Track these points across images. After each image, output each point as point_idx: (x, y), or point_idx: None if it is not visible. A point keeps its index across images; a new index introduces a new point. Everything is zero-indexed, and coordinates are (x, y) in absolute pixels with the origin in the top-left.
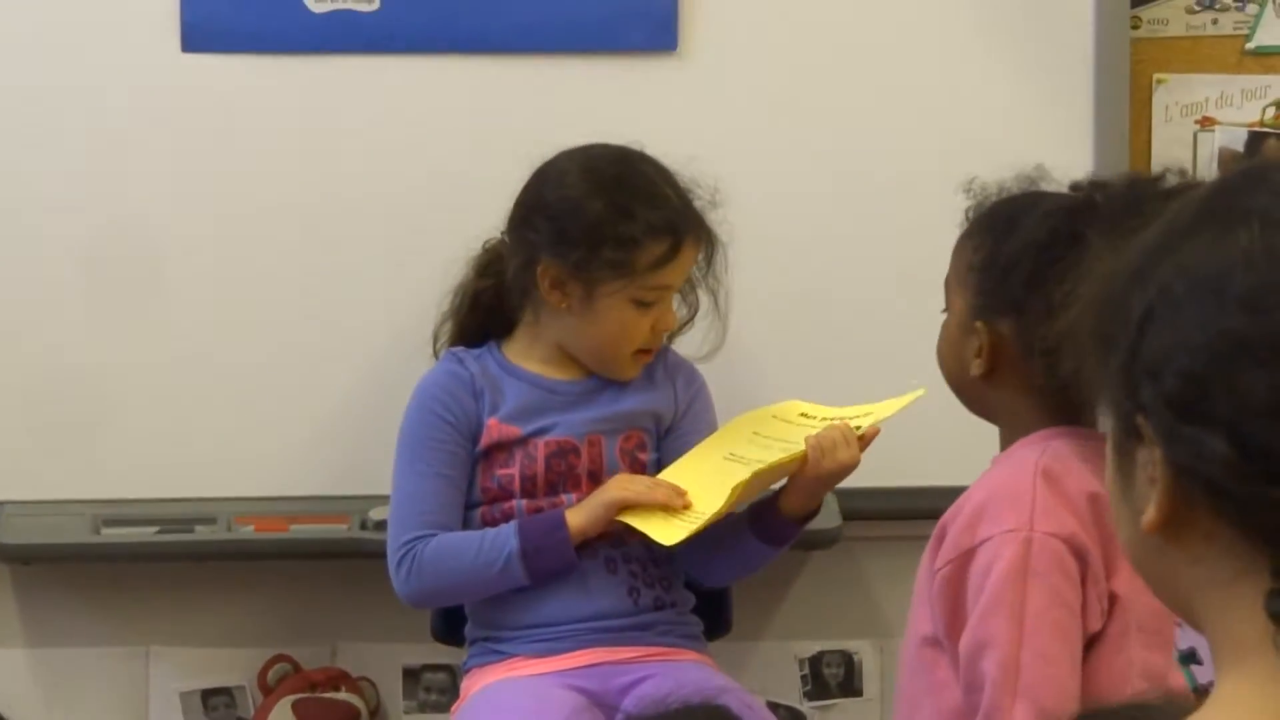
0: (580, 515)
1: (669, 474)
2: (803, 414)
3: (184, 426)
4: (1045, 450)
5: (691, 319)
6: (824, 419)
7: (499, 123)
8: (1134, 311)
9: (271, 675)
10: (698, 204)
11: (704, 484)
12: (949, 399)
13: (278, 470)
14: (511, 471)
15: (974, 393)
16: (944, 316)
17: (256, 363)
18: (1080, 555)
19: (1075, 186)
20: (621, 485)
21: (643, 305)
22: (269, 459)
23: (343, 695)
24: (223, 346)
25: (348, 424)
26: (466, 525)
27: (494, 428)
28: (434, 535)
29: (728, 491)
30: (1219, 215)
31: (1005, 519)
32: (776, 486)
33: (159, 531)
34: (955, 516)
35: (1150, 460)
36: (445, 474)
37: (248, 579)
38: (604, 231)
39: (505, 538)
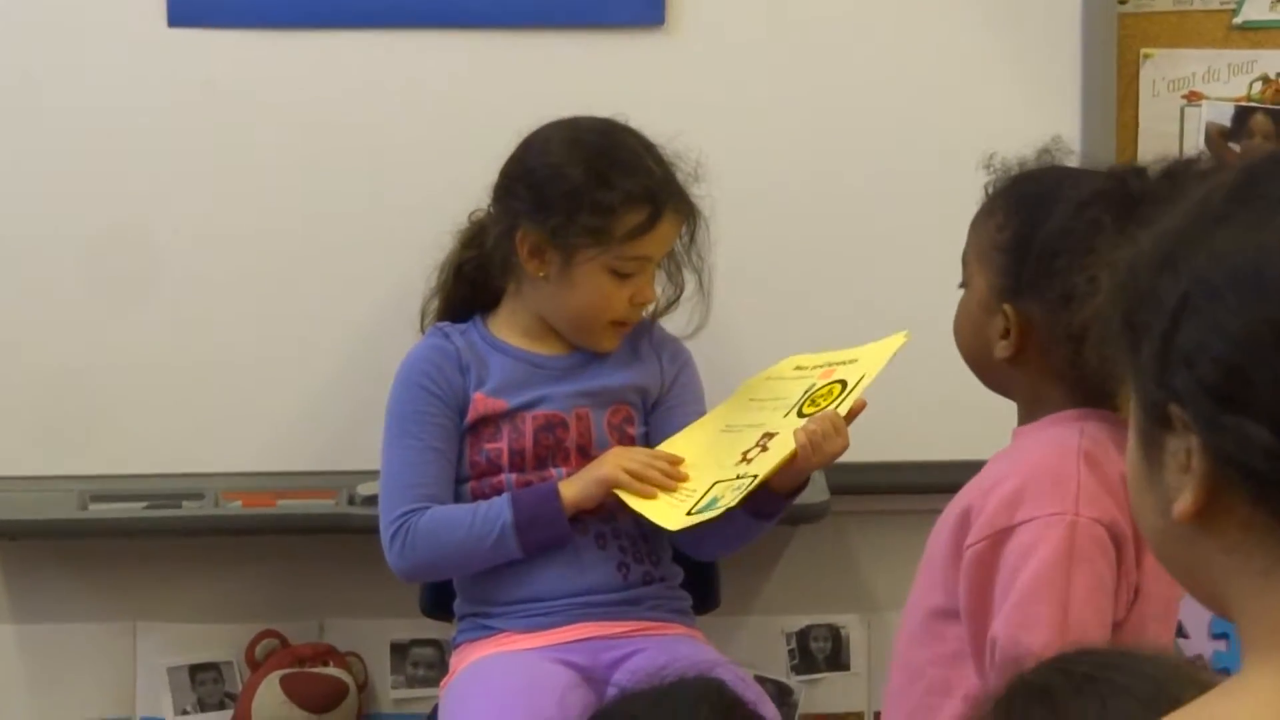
0: (574, 488)
1: (670, 444)
2: (797, 367)
3: (171, 402)
4: (1083, 432)
5: (677, 299)
6: (815, 367)
7: (485, 98)
8: (1166, 300)
9: (259, 650)
10: (681, 178)
11: (703, 461)
12: (937, 375)
13: (265, 446)
14: (500, 445)
15: (995, 372)
16: (959, 292)
17: (244, 338)
18: (1118, 542)
19: (1113, 173)
20: (618, 461)
21: (620, 275)
22: (256, 434)
23: (331, 670)
24: (210, 323)
25: (335, 399)
26: (456, 500)
27: (480, 401)
28: (426, 509)
29: (721, 473)
30: (1251, 202)
31: (1048, 502)
32: None
33: (146, 507)
34: (987, 493)
35: (1182, 449)
36: (435, 447)
37: (235, 554)
38: (582, 198)
39: (499, 510)
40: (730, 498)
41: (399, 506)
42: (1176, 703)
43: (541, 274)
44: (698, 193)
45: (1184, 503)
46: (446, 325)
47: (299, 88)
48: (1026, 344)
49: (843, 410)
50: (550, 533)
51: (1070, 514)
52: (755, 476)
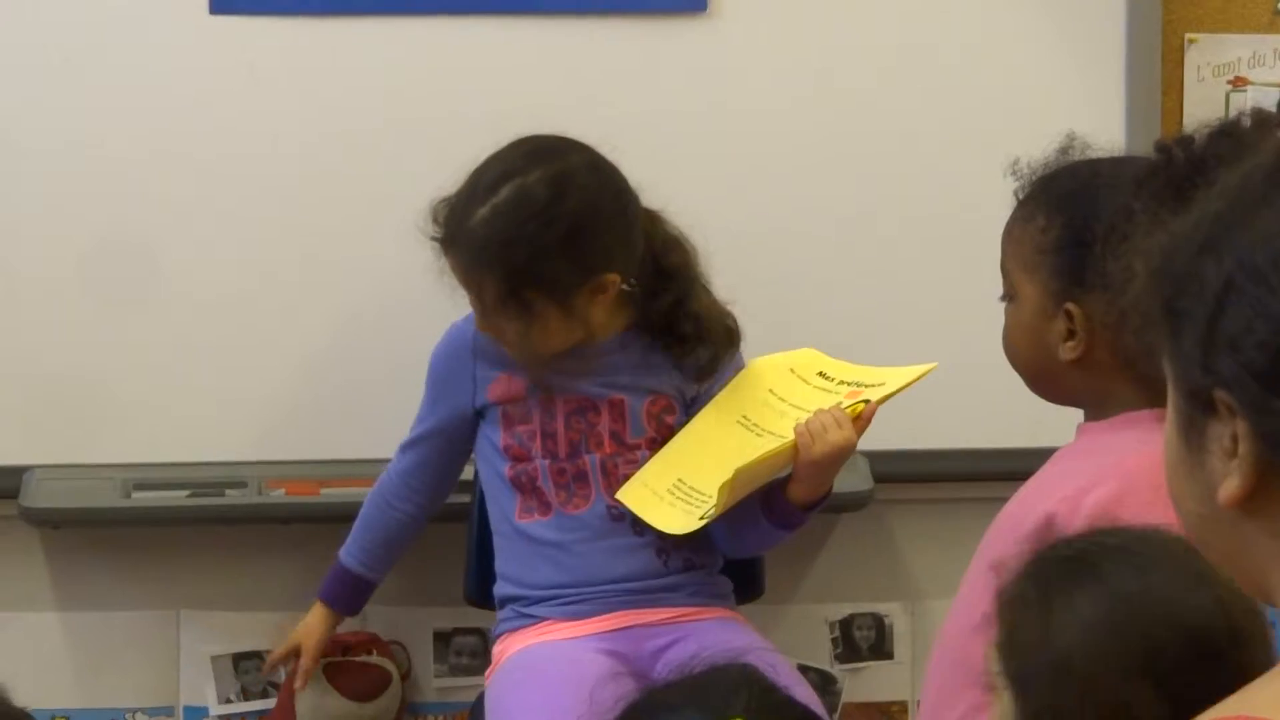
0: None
1: (682, 438)
2: (821, 373)
3: (215, 390)
4: None
5: (521, 347)
6: (841, 382)
7: (526, 86)
8: (1209, 285)
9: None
10: (523, 255)
11: (716, 457)
12: (980, 363)
13: (308, 434)
14: (532, 428)
15: (1058, 378)
16: (1003, 305)
17: (288, 326)
18: None
19: (1159, 147)
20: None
21: None
22: (300, 422)
23: (375, 659)
24: (256, 310)
25: (379, 387)
26: (498, 483)
27: (504, 381)
28: (388, 476)
29: (726, 482)
30: None
31: (1152, 511)
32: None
33: (190, 495)
34: (1077, 499)
35: (1227, 434)
36: (441, 429)
37: (278, 543)
38: None
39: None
40: (722, 496)
41: (397, 462)
42: (1203, 577)
43: None
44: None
45: (1230, 488)
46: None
47: (338, 75)
48: (1095, 341)
49: (850, 412)
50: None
51: (1176, 526)
52: (739, 469)
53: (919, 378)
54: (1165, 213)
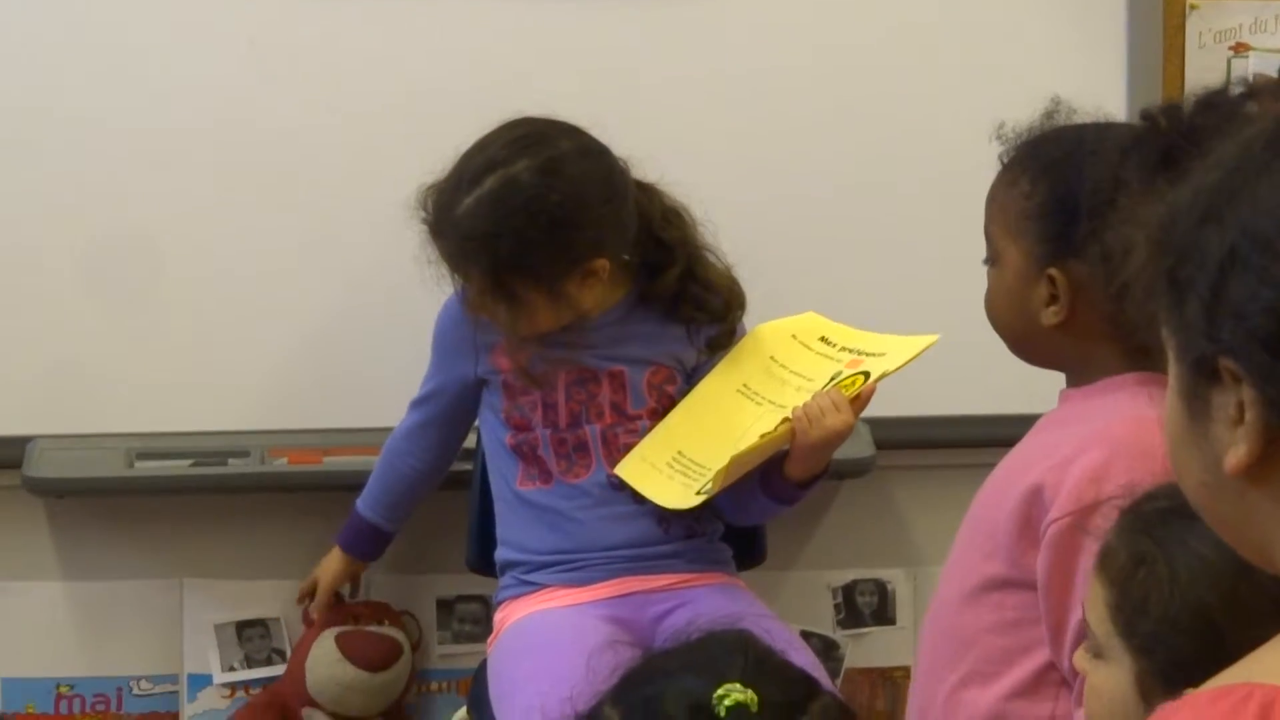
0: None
1: (683, 409)
2: (822, 338)
3: (217, 359)
4: (1153, 399)
5: (509, 329)
6: (843, 349)
7: (522, 58)
8: (1211, 253)
9: (314, 608)
10: (508, 246)
11: (716, 429)
12: (983, 328)
13: (311, 403)
14: (533, 398)
15: (1040, 343)
16: (974, 266)
17: (290, 295)
18: None
19: (1145, 115)
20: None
21: None
22: (302, 392)
23: (386, 629)
24: (257, 280)
25: (381, 356)
26: (500, 450)
27: (504, 349)
28: (398, 431)
29: (722, 468)
30: None
31: (1140, 477)
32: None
33: (193, 465)
34: (1063, 467)
35: (1232, 402)
36: (446, 392)
37: (282, 511)
38: None
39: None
40: (724, 470)
41: (405, 419)
42: None
43: None
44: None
45: (1237, 455)
46: None
47: (340, 48)
48: (1077, 307)
49: (849, 393)
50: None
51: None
52: (735, 455)
53: (920, 353)
54: (1159, 181)
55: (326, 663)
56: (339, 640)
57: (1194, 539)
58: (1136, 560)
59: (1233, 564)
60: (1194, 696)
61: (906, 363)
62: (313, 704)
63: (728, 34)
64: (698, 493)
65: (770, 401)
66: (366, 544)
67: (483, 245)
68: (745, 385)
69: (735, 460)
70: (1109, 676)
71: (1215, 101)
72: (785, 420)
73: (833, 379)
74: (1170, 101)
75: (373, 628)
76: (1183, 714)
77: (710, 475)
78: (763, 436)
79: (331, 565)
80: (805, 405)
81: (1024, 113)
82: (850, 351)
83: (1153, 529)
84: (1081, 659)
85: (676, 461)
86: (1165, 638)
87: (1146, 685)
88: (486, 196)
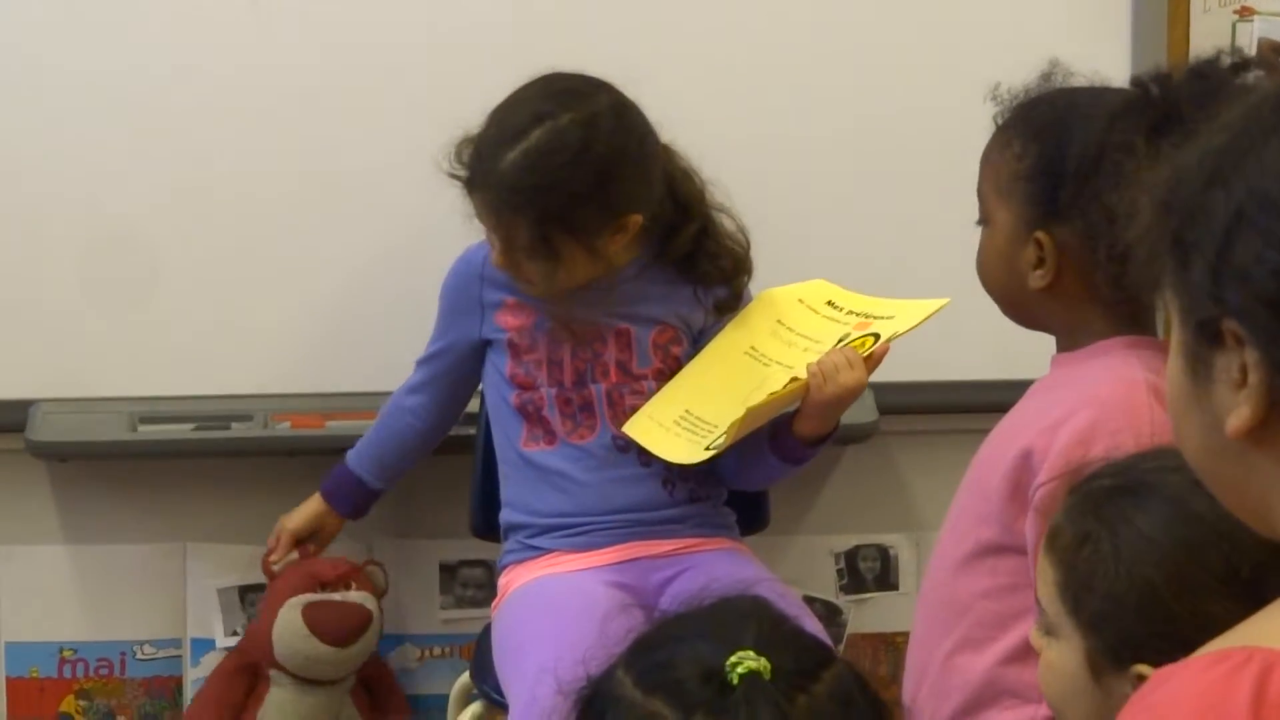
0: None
1: (690, 370)
2: (829, 302)
3: (220, 324)
4: (1141, 361)
5: (544, 286)
6: (850, 312)
7: (526, 9)
8: (1218, 215)
9: (277, 563)
10: (556, 197)
11: (724, 390)
12: (984, 293)
13: (314, 366)
14: (538, 356)
15: (1029, 306)
16: (979, 230)
17: (292, 259)
18: None
19: (1136, 82)
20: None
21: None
22: (305, 355)
23: (354, 596)
24: (259, 243)
25: (383, 319)
26: (505, 410)
27: (511, 308)
28: (401, 388)
29: (735, 416)
30: None
31: (1125, 438)
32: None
33: (195, 429)
34: (1052, 431)
35: (1235, 364)
36: (453, 349)
37: (284, 475)
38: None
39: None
40: (736, 424)
41: (411, 377)
42: None
43: None
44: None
45: (1240, 417)
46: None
47: (344, 11)
48: (1063, 270)
49: (863, 352)
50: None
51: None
52: (750, 408)
53: (930, 315)
54: (1143, 150)
55: (293, 635)
56: (305, 613)
57: (1140, 517)
58: (1081, 539)
59: (1178, 543)
60: (1189, 661)
61: (917, 324)
62: (279, 667)
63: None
64: (706, 448)
65: (777, 363)
66: (346, 497)
67: (529, 198)
68: (753, 348)
69: (750, 413)
70: (1060, 654)
71: (1206, 72)
72: (794, 380)
73: (840, 341)
74: (1161, 69)
75: (339, 596)
76: (1178, 679)
77: (719, 431)
78: (771, 395)
79: (303, 509)
80: (819, 361)
81: (1026, 76)
82: (857, 315)
83: (1099, 507)
84: (1035, 637)
85: (684, 419)
86: (1112, 615)
87: (1096, 663)
88: (533, 149)
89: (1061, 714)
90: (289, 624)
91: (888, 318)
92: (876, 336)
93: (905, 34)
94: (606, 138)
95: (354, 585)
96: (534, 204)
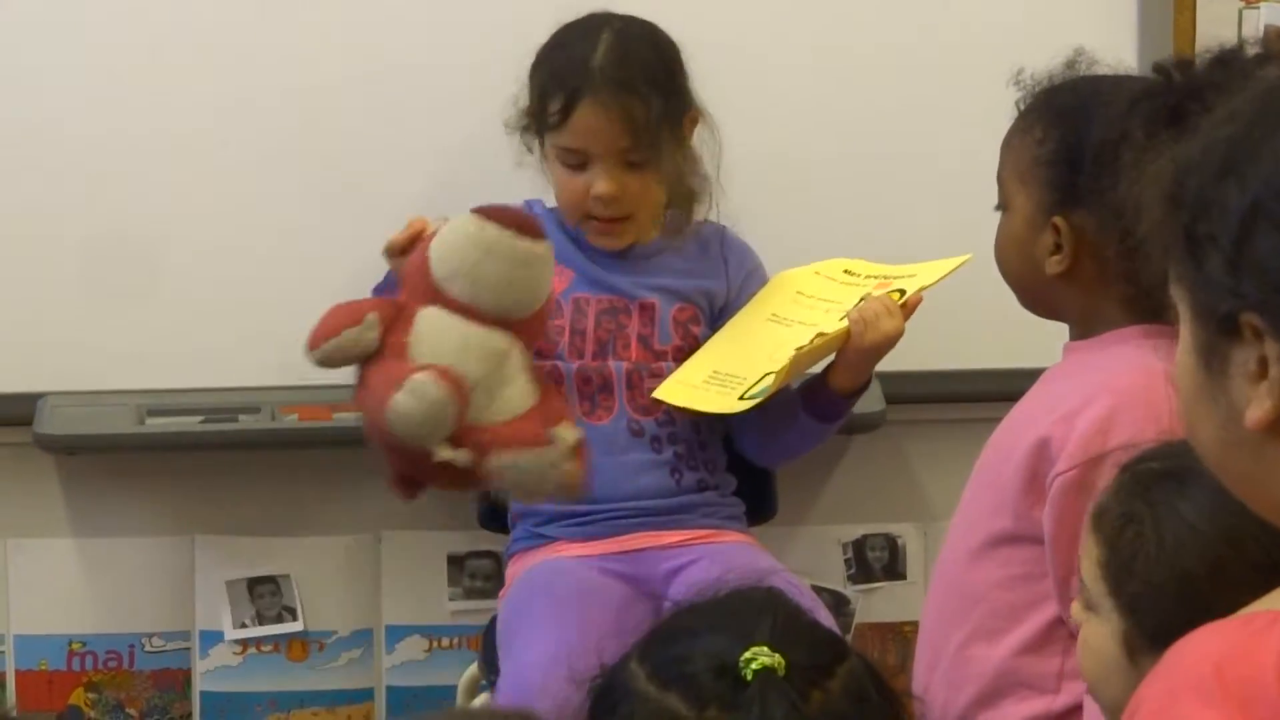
0: None
1: (713, 343)
2: (846, 270)
3: (228, 316)
4: (1157, 351)
5: (690, 205)
6: (868, 276)
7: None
8: (1233, 208)
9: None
10: (644, 70)
11: (749, 351)
12: (993, 281)
13: None
14: (561, 323)
15: (1044, 292)
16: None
17: (300, 250)
18: None
19: (1158, 68)
20: None
21: (570, 167)
22: None
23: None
24: (267, 234)
25: None
26: None
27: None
28: None
29: (772, 364)
30: None
31: (1145, 428)
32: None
33: (203, 421)
34: (1070, 420)
35: (1252, 357)
36: None
37: (292, 467)
38: (531, 84)
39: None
40: (782, 372)
41: None
42: None
43: (543, 162)
44: (681, 90)
45: (1260, 410)
46: (539, 203)
47: (347, 7)
48: (1080, 257)
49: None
50: None
51: (1168, 438)
52: (799, 349)
53: (953, 270)
54: (1163, 137)
55: (462, 231)
56: (482, 211)
57: (1185, 505)
58: (1126, 520)
59: (1221, 533)
60: (1221, 621)
61: (940, 279)
62: (436, 298)
63: None
64: (741, 397)
65: (799, 322)
66: None
67: (636, 74)
68: (774, 314)
69: (795, 359)
70: (1098, 631)
71: (1229, 59)
72: (819, 337)
73: (861, 300)
74: (1183, 56)
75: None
76: (1205, 633)
77: (750, 382)
78: (815, 340)
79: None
80: (860, 308)
81: (1031, 62)
82: (876, 278)
83: (1147, 490)
84: (1077, 611)
85: (714, 377)
86: (1150, 600)
87: (1132, 643)
88: (615, 42)
89: (1096, 689)
90: (460, 235)
91: (909, 275)
92: (901, 292)
93: (909, 23)
94: (657, 31)
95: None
96: (642, 79)
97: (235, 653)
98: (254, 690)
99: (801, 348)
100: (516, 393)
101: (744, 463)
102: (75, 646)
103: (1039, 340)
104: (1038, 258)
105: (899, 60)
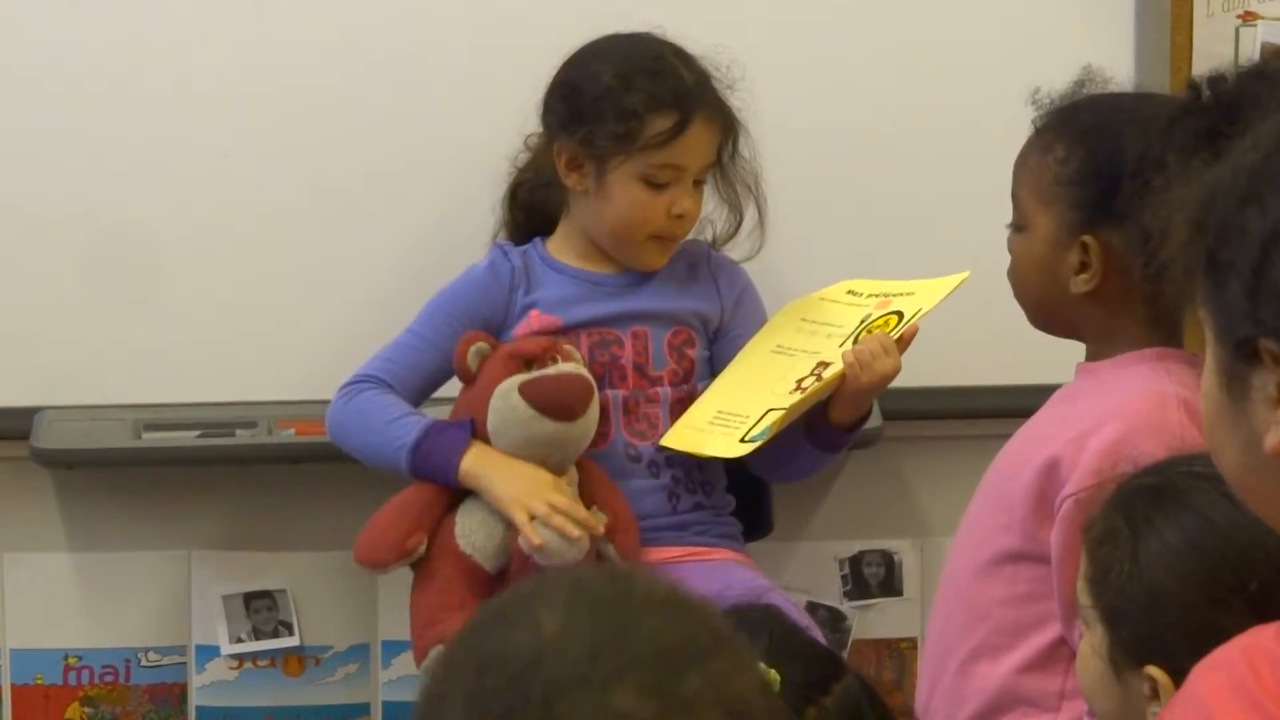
0: (480, 462)
1: (720, 380)
2: (850, 291)
3: (225, 330)
4: (1171, 375)
5: (737, 228)
6: (870, 295)
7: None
8: (1254, 234)
9: (472, 358)
10: (718, 88)
11: (753, 387)
12: (988, 298)
13: (318, 373)
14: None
15: (1064, 311)
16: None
17: (298, 265)
18: None
19: (1191, 86)
20: (525, 499)
21: (653, 185)
22: (309, 362)
23: (568, 369)
24: (264, 249)
25: (388, 326)
26: None
27: (535, 318)
28: (383, 385)
29: (775, 399)
30: None
31: (1156, 453)
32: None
33: (200, 435)
34: (1081, 441)
35: (1272, 382)
36: (439, 346)
37: (289, 482)
38: (608, 104)
39: (412, 426)
40: (778, 422)
41: (368, 370)
42: None
43: (581, 188)
44: (737, 104)
45: (1278, 435)
46: (507, 244)
47: (348, 14)
48: (1108, 275)
49: (894, 335)
50: (438, 472)
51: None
52: (799, 398)
53: (951, 290)
54: (1197, 158)
55: (513, 420)
56: (524, 391)
57: (1161, 521)
58: (1106, 534)
59: (1194, 551)
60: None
61: (940, 300)
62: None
63: None
64: (742, 439)
65: (802, 351)
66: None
67: (720, 93)
68: (779, 345)
69: (791, 409)
70: (1089, 644)
71: (1264, 72)
72: (820, 366)
73: (862, 321)
74: (1216, 71)
75: (552, 370)
76: (1244, 639)
77: (751, 421)
78: (811, 389)
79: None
80: (855, 350)
81: (1028, 79)
82: (877, 296)
83: (1130, 506)
84: (1082, 624)
85: (717, 418)
86: (1125, 613)
87: (1115, 656)
88: (688, 59)
89: (1090, 702)
90: (507, 408)
91: (908, 294)
92: (899, 314)
93: (907, 38)
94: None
95: (559, 358)
96: (719, 94)
97: (231, 667)
98: (250, 705)
99: (794, 403)
100: None
101: (741, 479)
102: (71, 661)
103: (1036, 357)
104: (1061, 276)
105: (894, 80)
